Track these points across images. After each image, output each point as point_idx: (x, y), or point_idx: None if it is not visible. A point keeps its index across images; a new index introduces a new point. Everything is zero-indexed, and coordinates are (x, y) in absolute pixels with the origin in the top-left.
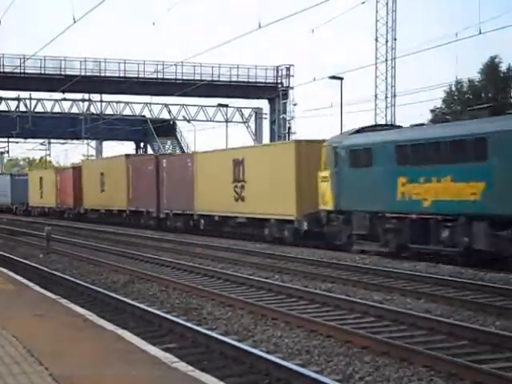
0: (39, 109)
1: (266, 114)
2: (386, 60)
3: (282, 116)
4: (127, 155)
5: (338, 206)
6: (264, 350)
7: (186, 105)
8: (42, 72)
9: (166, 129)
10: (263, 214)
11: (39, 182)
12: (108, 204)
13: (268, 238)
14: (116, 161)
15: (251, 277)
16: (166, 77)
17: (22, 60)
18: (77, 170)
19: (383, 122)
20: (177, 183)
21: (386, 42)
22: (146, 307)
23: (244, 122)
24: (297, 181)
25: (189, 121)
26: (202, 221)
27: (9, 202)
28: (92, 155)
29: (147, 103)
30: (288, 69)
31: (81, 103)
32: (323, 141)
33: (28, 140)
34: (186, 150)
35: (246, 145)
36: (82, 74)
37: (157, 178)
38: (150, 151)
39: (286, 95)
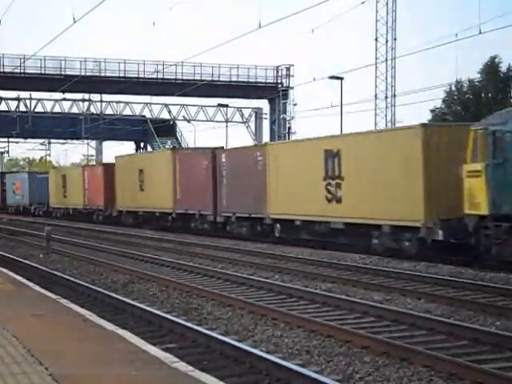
0: (39, 109)
1: (266, 114)
2: (386, 60)
3: (282, 116)
4: (174, 148)
5: (498, 210)
6: (264, 350)
7: (186, 105)
8: (42, 72)
9: (166, 129)
10: (371, 219)
11: (62, 180)
12: (148, 205)
13: (378, 250)
14: (160, 156)
15: (251, 277)
16: (166, 77)
17: (22, 60)
18: (109, 166)
19: (383, 122)
20: (241, 181)
21: (386, 41)
22: (146, 307)
23: (244, 122)
24: (426, 176)
25: (189, 121)
26: (278, 226)
27: (26, 203)
28: (92, 155)
29: (147, 103)
30: (288, 69)
31: (81, 103)
32: (467, 124)
33: (28, 140)
34: None
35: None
36: (82, 74)
37: (213, 175)
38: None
39: (286, 95)
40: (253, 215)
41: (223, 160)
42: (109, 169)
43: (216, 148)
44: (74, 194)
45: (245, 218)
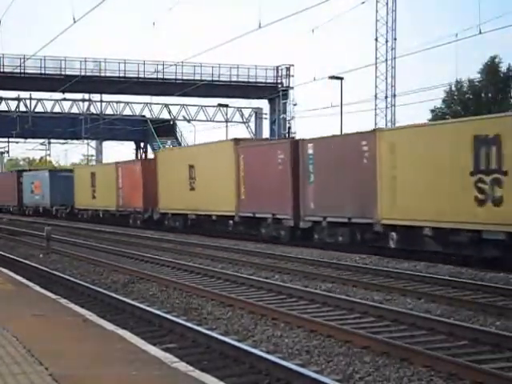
0: (39, 109)
1: (265, 113)
2: (386, 60)
3: (281, 116)
4: (237, 140)
5: None
6: (264, 350)
7: (186, 105)
8: (42, 72)
9: (166, 129)
10: None
11: (91, 178)
12: (201, 207)
13: None
14: (218, 148)
15: (251, 277)
16: (166, 77)
17: (22, 60)
18: (148, 162)
19: (383, 122)
20: (337, 177)
21: (386, 41)
22: (146, 307)
23: (244, 122)
24: None
25: (189, 121)
26: (394, 235)
27: (47, 204)
28: (92, 155)
29: (147, 103)
30: (288, 69)
31: (81, 103)
32: None
33: (28, 140)
34: None
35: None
36: (82, 74)
37: (293, 171)
38: (150, 152)
39: (286, 95)
40: (354, 220)
41: (310, 152)
42: (149, 165)
43: (297, 139)
44: (105, 194)
45: (341, 223)
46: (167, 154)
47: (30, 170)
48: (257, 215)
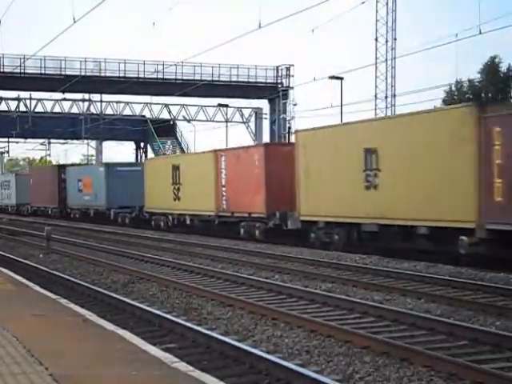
0: (39, 109)
1: (266, 114)
2: (386, 60)
3: (282, 116)
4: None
5: None
6: (264, 350)
7: (186, 105)
8: (42, 72)
9: (166, 129)
10: None
11: (172, 173)
12: (387, 212)
13: None
14: (431, 120)
15: (251, 277)
16: (166, 77)
17: (22, 60)
18: (276, 148)
19: None
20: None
21: (386, 41)
22: (146, 307)
23: (244, 122)
24: None
25: (189, 121)
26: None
27: (101, 206)
28: (92, 155)
29: (147, 103)
30: (288, 69)
31: (81, 103)
32: None
33: (28, 140)
34: (186, 151)
35: None
36: (82, 74)
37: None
38: (150, 152)
39: (286, 95)
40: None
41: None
42: (277, 152)
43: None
44: (196, 193)
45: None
46: (316, 134)
47: (74, 165)
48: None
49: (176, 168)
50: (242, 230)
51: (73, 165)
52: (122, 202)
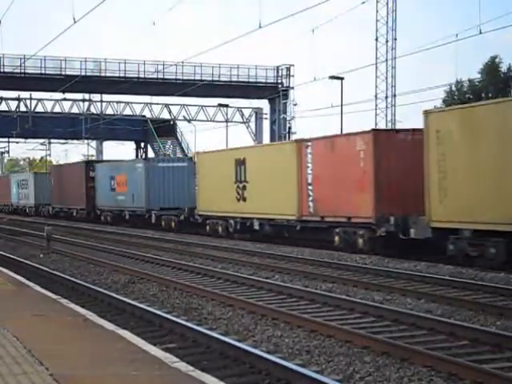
0: (39, 109)
1: (266, 114)
2: (387, 60)
3: (282, 116)
4: None
5: None
6: (264, 350)
7: (187, 105)
8: (43, 72)
9: (167, 129)
10: None
11: (236, 168)
12: None
13: None
14: None
15: (252, 277)
16: (166, 77)
17: (23, 60)
18: (392, 134)
19: (383, 123)
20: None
21: (387, 41)
22: (146, 307)
23: (244, 122)
24: None
25: (189, 121)
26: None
27: (140, 207)
28: (92, 155)
29: (147, 103)
30: (288, 69)
31: (81, 103)
32: None
33: (28, 140)
34: (186, 151)
35: None
36: (82, 74)
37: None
38: (150, 152)
39: (286, 95)
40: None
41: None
42: (390, 140)
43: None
44: (269, 193)
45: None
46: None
47: (104, 161)
48: None
49: (240, 163)
50: (336, 239)
51: (103, 161)
52: (165, 203)
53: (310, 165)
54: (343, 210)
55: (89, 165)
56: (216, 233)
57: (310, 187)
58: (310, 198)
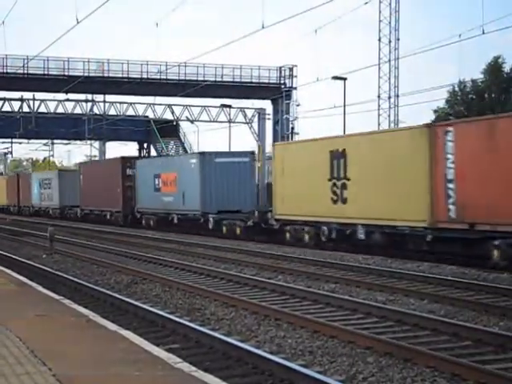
0: (42, 109)
1: (269, 114)
2: (390, 60)
3: (285, 116)
4: None
5: None
6: (267, 351)
7: (190, 105)
8: (46, 73)
9: (170, 129)
10: None
11: (330, 163)
12: None
13: None
14: None
15: (254, 277)
16: (169, 77)
17: (26, 61)
18: None
19: (386, 123)
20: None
21: (389, 42)
22: (149, 307)
23: (247, 123)
24: None
25: (192, 121)
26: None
27: (195, 209)
28: (95, 156)
29: (150, 104)
30: (291, 69)
31: (84, 104)
32: None
33: (31, 141)
34: (188, 151)
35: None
36: (85, 74)
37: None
38: (153, 152)
39: (289, 96)
40: None
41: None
42: None
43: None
44: (382, 192)
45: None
46: None
47: (146, 157)
48: None
49: (339, 155)
50: (496, 255)
51: (144, 157)
52: (224, 205)
53: (450, 156)
54: (507, 216)
55: (126, 161)
56: (300, 241)
57: (450, 185)
58: (451, 200)
